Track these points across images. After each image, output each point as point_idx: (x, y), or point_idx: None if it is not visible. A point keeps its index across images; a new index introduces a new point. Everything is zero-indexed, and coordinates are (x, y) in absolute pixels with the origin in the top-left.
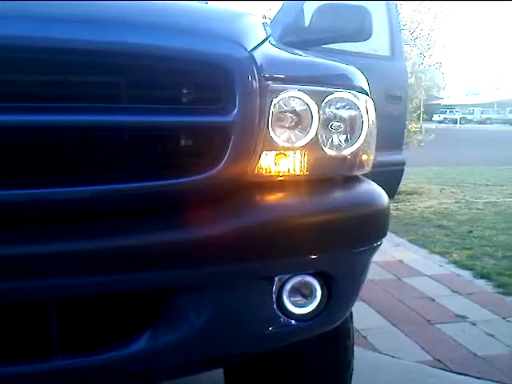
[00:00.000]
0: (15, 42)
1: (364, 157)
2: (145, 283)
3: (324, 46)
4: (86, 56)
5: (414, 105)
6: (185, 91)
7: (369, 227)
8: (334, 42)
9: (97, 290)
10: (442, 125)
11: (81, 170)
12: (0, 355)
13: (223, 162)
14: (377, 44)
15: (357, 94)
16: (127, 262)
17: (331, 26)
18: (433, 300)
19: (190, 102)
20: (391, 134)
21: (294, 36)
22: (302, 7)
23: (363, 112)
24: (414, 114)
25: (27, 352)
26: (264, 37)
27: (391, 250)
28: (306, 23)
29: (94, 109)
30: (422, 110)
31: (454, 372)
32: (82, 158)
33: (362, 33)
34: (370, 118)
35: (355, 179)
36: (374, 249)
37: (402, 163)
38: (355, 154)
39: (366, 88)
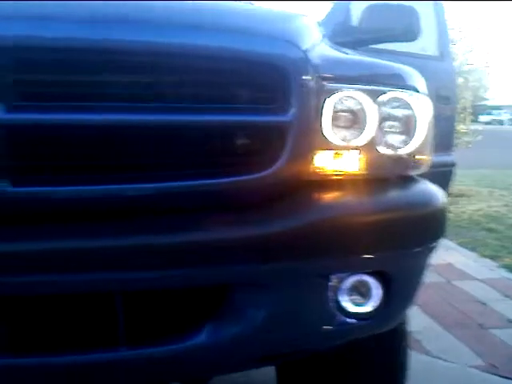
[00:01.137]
0: (107, 45)
1: (420, 157)
2: (207, 278)
3: (372, 46)
4: (150, 57)
5: (462, 105)
6: (242, 91)
7: (426, 227)
8: (382, 42)
9: (161, 284)
10: (490, 126)
11: (148, 167)
12: (70, 344)
13: (280, 160)
14: (425, 44)
15: (412, 93)
16: (190, 257)
17: (379, 26)
18: (484, 304)
19: (248, 101)
20: (441, 135)
21: (344, 36)
22: (349, 7)
23: (418, 111)
24: (462, 115)
25: (95, 342)
26: (318, 37)
27: (441, 252)
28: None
29: (159, 108)
30: (470, 110)
31: (507, 378)
32: (149, 156)
33: (410, 33)
34: (425, 117)
35: (412, 179)
36: (431, 249)
37: (452, 164)
38: (411, 154)
39: (422, 88)
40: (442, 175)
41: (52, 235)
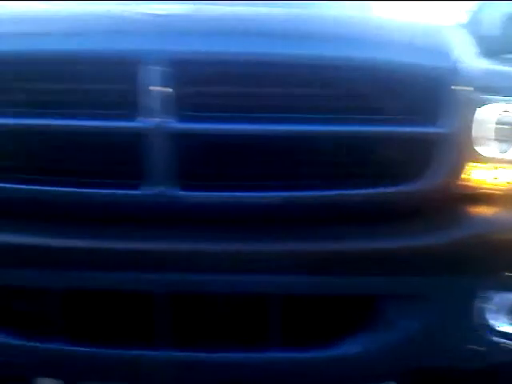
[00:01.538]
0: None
1: None
2: (357, 288)
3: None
4: (315, 69)
5: None
6: (395, 102)
7: None
8: None
9: (313, 291)
10: None
11: (303, 176)
12: (223, 342)
13: (430, 172)
14: None
15: None
16: (345, 265)
17: None
18: None
19: (398, 112)
20: None
21: (489, 45)
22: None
23: None
24: None
25: (244, 341)
26: (468, 47)
27: None
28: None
29: (316, 119)
30: None
31: None
32: (307, 165)
33: None
34: None
35: None
36: None
37: None
38: None
39: None
40: None
41: (217, 237)
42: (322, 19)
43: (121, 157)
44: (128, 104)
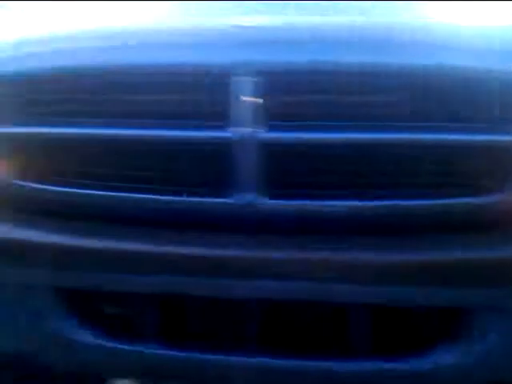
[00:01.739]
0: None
1: None
2: (445, 299)
3: None
4: (405, 78)
5: None
6: (478, 109)
7: None
8: None
9: (401, 301)
10: None
11: (393, 185)
12: (311, 350)
13: None
14: None
15: None
16: (431, 276)
17: None
18: None
19: (483, 120)
20: None
21: None
22: None
23: None
24: None
25: (331, 350)
26: None
27: None
28: None
29: (405, 128)
30: None
31: None
32: (398, 175)
33: None
34: None
35: None
36: None
37: None
38: None
39: None
40: None
41: (307, 246)
42: (400, 27)
43: (209, 166)
44: (218, 115)
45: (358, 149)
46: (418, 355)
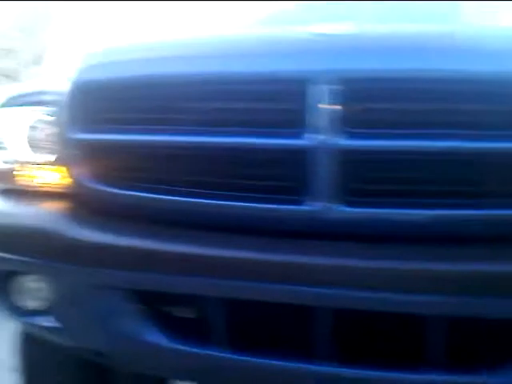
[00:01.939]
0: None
1: None
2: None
3: None
4: (488, 86)
5: None
6: None
7: None
8: None
9: (476, 313)
10: None
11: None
12: (382, 360)
13: None
14: None
15: None
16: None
17: None
18: None
19: None
20: None
21: None
22: None
23: None
24: None
25: (404, 362)
26: None
27: None
28: None
29: (483, 136)
30: None
31: None
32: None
33: None
34: None
35: None
36: None
37: None
38: None
39: None
40: None
41: (382, 255)
42: (480, 34)
43: (285, 173)
44: (296, 122)
45: (435, 157)
46: (494, 370)
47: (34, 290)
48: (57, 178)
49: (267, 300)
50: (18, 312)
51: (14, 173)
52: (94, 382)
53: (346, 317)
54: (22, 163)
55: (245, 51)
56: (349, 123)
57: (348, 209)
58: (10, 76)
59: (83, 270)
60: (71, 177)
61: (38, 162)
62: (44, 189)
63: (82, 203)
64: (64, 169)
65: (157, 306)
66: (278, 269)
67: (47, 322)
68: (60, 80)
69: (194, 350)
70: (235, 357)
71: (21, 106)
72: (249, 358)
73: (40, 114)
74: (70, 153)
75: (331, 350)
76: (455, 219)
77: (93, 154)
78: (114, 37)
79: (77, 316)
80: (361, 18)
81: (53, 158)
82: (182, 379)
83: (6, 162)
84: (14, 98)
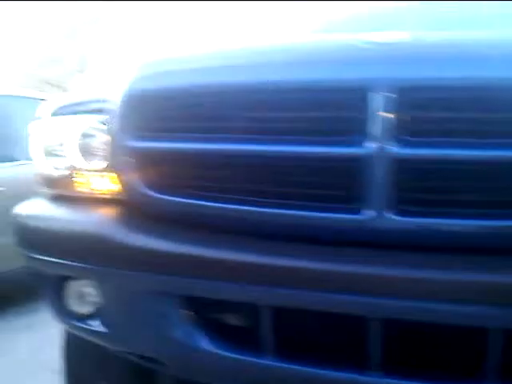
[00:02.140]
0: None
1: None
2: None
3: None
4: None
5: None
6: None
7: None
8: None
9: None
10: None
11: None
12: (434, 372)
13: None
14: None
15: None
16: None
17: None
18: None
19: None
20: None
21: None
22: None
23: None
24: None
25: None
26: None
27: None
28: None
29: None
30: None
31: None
32: None
33: None
34: None
35: None
36: None
37: None
38: None
39: None
40: None
41: (436, 265)
42: None
43: (339, 182)
44: (353, 130)
45: (490, 166)
46: None
47: (85, 294)
48: (108, 184)
49: (318, 309)
50: (70, 316)
51: (66, 179)
52: None
53: (399, 328)
54: (74, 170)
55: (300, 59)
56: (407, 132)
57: (401, 218)
58: (54, 84)
59: (134, 275)
60: (122, 183)
61: (89, 168)
62: (95, 195)
63: (132, 209)
64: (115, 175)
65: (205, 313)
66: (327, 277)
67: (97, 326)
68: (111, 89)
69: (242, 357)
70: (283, 365)
71: (72, 114)
72: (297, 367)
73: (92, 121)
74: (122, 160)
75: (384, 362)
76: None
77: (145, 161)
78: (161, 44)
79: (126, 321)
80: (406, 26)
81: (104, 164)
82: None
83: (58, 169)
84: (65, 106)
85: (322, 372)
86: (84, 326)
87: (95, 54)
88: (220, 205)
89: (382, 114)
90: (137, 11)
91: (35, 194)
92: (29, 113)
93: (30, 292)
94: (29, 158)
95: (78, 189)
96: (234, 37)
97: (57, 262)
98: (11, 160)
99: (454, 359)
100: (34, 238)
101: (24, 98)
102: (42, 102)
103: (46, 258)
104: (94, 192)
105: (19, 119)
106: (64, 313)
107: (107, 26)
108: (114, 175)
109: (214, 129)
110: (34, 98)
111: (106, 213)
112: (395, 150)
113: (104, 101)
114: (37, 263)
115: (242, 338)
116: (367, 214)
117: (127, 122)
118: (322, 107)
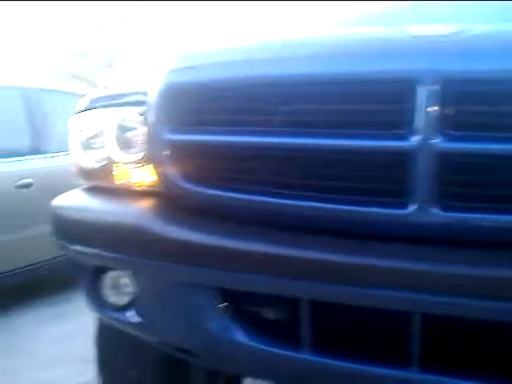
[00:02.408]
0: None
1: None
2: None
3: None
4: None
5: None
6: None
7: None
8: None
9: None
10: None
11: None
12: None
13: None
14: None
15: None
16: None
17: None
18: None
19: None
20: None
21: None
22: None
23: None
24: None
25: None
26: None
27: None
28: None
29: None
30: None
31: None
32: None
33: None
34: None
35: None
36: None
37: None
38: None
39: None
40: None
41: (479, 261)
42: None
43: (382, 176)
44: (399, 124)
45: None
46: None
47: (121, 285)
48: (144, 176)
49: (359, 304)
50: (105, 306)
51: (104, 171)
52: (169, 376)
53: (441, 324)
54: (111, 162)
55: (347, 51)
56: (452, 125)
57: (444, 213)
58: (82, 78)
59: (169, 266)
60: (159, 175)
61: (125, 160)
62: (132, 187)
63: (169, 201)
64: (151, 167)
65: (241, 305)
66: (371, 272)
67: (132, 316)
68: (149, 81)
69: (278, 350)
70: (321, 360)
71: (111, 106)
72: (336, 362)
73: (131, 113)
74: (159, 152)
75: (426, 358)
76: None
77: (182, 153)
78: (193, 40)
79: (161, 312)
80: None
81: (140, 156)
82: (260, 378)
83: (96, 161)
84: (104, 98)
85: (363, 368)
86: (119, 316)
87: (124, 50)
88: (256, 198)
89: (433, 108)
90: (166, 11)
91: (63, 186)
92: (58, 106)
93: (61, 282)
94: (57, 151)
95: (115, 180)
96: (257, 32)
97: (94, 253)
98: (40, 153)
99: (496, 357)
100: (72, 228)
101: (54, 91)
102: (71, 95)
103: (83, 249)
104: (130, 184)
105: (49, 112)
106: (99, 303)
107: (136, 24)
108: (151, 167)
109: (251, 122)
110: (64, 92)
111: (143, 204)
112: (445, 143)
113: (144, 93)
114: (75, 254)
115: (277, 332)
116: (410, 209)
117: (164, 114)
118: (364, 100)
